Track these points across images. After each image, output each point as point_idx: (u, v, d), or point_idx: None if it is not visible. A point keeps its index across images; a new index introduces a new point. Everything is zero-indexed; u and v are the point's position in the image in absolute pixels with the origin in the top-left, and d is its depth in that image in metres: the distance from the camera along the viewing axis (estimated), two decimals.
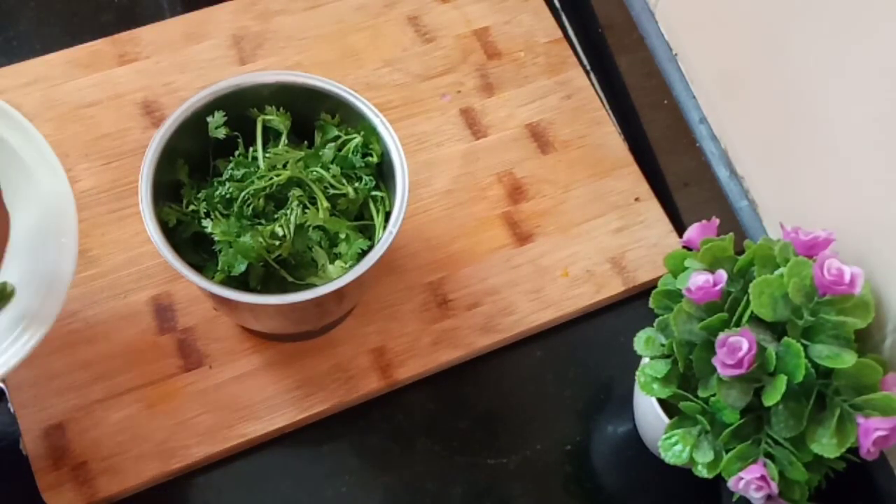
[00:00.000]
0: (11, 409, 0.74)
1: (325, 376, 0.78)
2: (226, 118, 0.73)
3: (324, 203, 0.71)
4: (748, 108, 0.78)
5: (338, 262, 0.71)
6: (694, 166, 0.84)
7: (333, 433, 0.77)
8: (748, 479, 0.60)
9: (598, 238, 0.85)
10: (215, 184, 0.73)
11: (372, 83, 0.91)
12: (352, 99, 0.74)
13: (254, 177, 0.72)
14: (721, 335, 0.60)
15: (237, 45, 0.91)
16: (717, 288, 0.62)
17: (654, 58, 0.87)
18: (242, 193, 0.71)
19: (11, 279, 0.65)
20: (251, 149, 0.74)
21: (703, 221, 0.67)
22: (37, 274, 0.65)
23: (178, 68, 0.90)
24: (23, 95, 0.87)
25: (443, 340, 0.80)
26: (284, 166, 0.72)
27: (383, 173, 0.75)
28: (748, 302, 0.61)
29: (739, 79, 0.78)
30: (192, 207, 0.73)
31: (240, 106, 0.74)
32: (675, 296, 0.65)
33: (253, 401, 0.76)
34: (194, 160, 0.74)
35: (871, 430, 0.58)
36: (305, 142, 0.76)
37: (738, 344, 0.59)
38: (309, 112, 0.76)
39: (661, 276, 0.68)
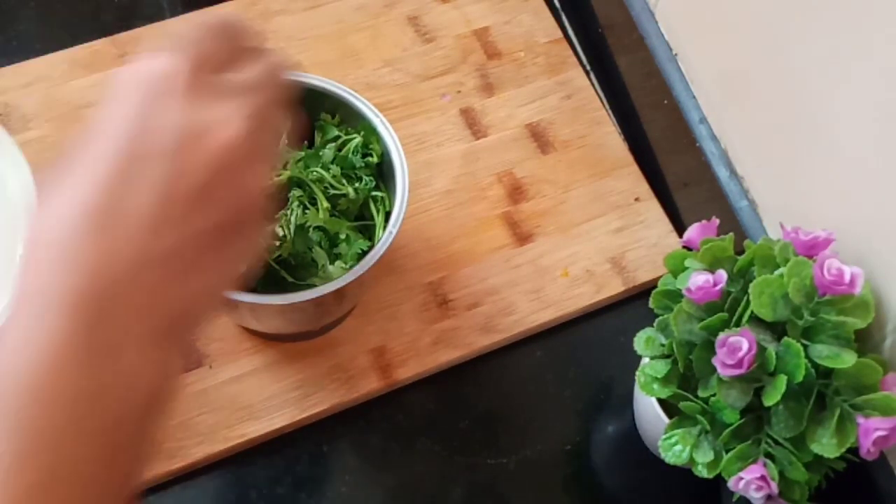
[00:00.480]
0: None
1: (325, 376, 0.78)
2: None
3: (324, 203, 0.71)
4: (748, 107, 0.78)
5: (338, 263, 0.71)
6: (694, 166, 0.84)
7: (333, 433, 0.77)
8: (748, 479, 0.60)
9: (598, 238, 0.85)
10: None
11: (372, 83, 0.91)
12: (352, 99, 0.74)
13: None
14: (721, 335, 0.60)
15: None
16: (717, 288, 0.62)
17: (654, 58, 0.87)
18: None
19: None
20: None
21: (703, 221, 0.67)
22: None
23: None
24: (23, 95, 0.87)
25: (443, 340, 0.80)
26: (284, 166, 0.72)
27: (383, 173, 0.75)
28: (748, 302, 0.61)
29: (739, 79, 0.78)
30: None
31: None
32: (675, 296, 0.65)
33: (253, 401, 0.76)
34: None
35: (871, 430, 0.58)
36: (305, 142, 0.76)
37: (738, 344, 0.59)
38: (309, 112, 0.76)
39: (661, 276, 0.68)
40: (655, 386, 0.65)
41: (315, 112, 0.76)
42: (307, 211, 0.71)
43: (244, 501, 0.74)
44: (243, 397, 0.76)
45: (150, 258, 0.43)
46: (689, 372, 0.64)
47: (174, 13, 0.94)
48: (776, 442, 0.61)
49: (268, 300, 0.67)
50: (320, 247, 0.71)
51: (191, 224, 0.44)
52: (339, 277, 0.68)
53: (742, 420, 0.61)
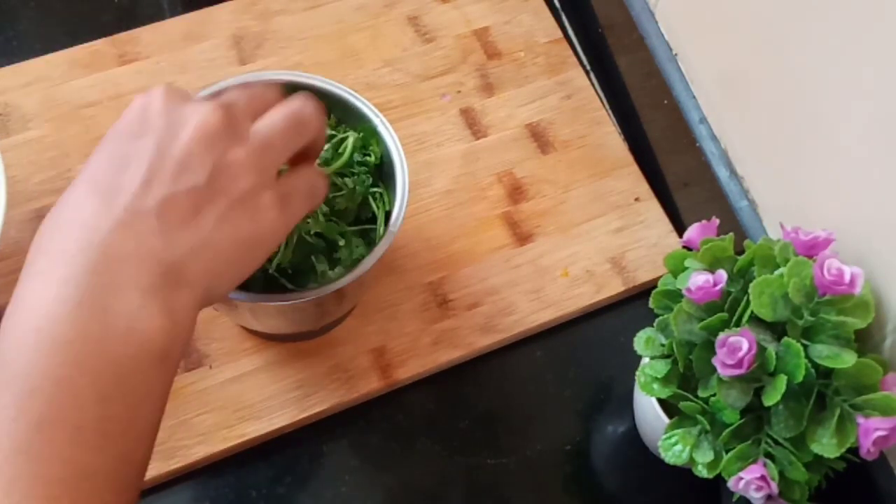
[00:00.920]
0: None
1: (325, 376, 0.78)
2: None
3: (322, 207, 0.71)
4: (748, 107, 0.78)
5: (338, 268, 0.71)
6: (694, 166, 0.84)
7: (333, 433, 0.77)
8: (748, 479, 0.60)
9: (598, 238, 0.85)
10: None
11: (372, 83, 0.91)
12: (352, 99, 0.74)
13: None
14: (721, 335, 0.60)
15: (237, 46, 0.92)
16: (717, 288, 0.62)
17: (654, 58, 0.87)
18: None
19: None
20: None
21: (703, 221, 0.67)
22: None
23: (178, 68, 0.90)
24: (23, 95, 0.87)
25: (443, 340, 0.80)
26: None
27: (383, 173, 0.75)
28: (748, 302, 0.61)
29: (739, 79, 0.78)
30: None
31: None
32: (675, 296, 0.65)
33: (253, 401, 0.76)
34: None
35: (871, 430, 0.58)
36: None
37: (738, 344, 0.59)
38: None
39: (661, 276, 0.68)
40: (655, 386, 0.65)
41: None
42: (309, 220, 0.71)
43: (244, 501, 0.74)
44: (243, 397, 0.76)
45: (143, 208, 0.48)
46: (689, 372, 0.64)
47: (174, 13, 0.94)
48: (776, 442, 0.61)
49: (268, 300, 0.67)
50: (320, 252, 0.71)
51: (181, 180, 0.49)
52: (340, 278, 0.68)
53: (742, 420, 0.61)
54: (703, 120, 0.83)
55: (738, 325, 0.61)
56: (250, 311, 0.71)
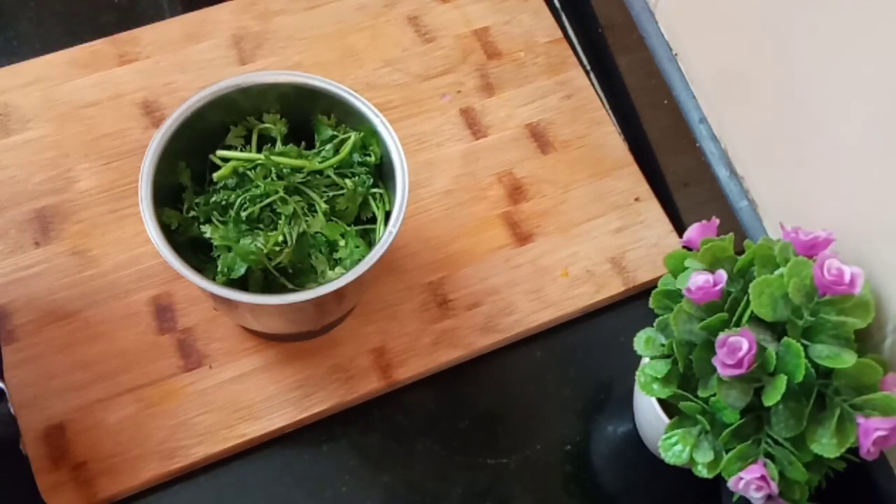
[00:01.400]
0: (11, 410, 0.74)
1: (325, 376, 0.78)
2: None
3: (322, 207, 0.71)
4: (748, 107, 0.78)
5: (338, 269, 0.71)
6: (694, 166, 0.84)
7: (333, 433, 0.77)
8: (748, 479, 0.60)
9: (598, 238, 0.85)
10: (210, 190, 0.73)
11: (372, 83, 0.91)
12: (352, 99, 0.74)
13: (249, 185, 0.72)
14: (721, 335, 0.60)
15: (237, 45, 0.92)
16: (717, 288, 0.62)
17: (654, 58, 0.87)
18: (238, 200, 0.71)
19: None
20: (247, 147, 0.75)
21: (703, 221, 0.67)
22: None
23: (178, 68, 0.90)
24: (23, 95, 0.88)
25: (443, 340, 0.80)
26: (279, 177, 0.72)
27: (383, 173, 0.75)
28: (748, 302, 0.61)
29: (739, 79, 0.78)
30: (192, 213, 0.73)
31: (239, 106, 0.74)
32: (675, 296, 0.65)
33: (253, 401, 0.76)
34: (196, 161, 0.74)
35: (871, 430, 0.57)
36: (303, 142, 0.76)
37: (738, 344, 0.59)
38: (308, 112, 0.76)
39: (661, 276, 0.68)
40: (655, 386, 0.65)
41: (314, 112, 0.76)
42: (308, 218, 0.71)
43: (244, 501, 0.74)
44: (243, 397, 0.76)
45: None
46: (689, 372, 0.64)
47: (174, 13, 0.94)
48: (776, 442, 0.61)
49: (268, 300, 0.67)
50: (320, 252, 0.71)
51: None
52: (339, 278, 0.68)
53: (742, 420, 0.61)
54: (703, 120, 0.83)
55: (738, 325, 0.61)
56: (250, 311, 0.71)
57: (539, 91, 0.92)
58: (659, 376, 0.65)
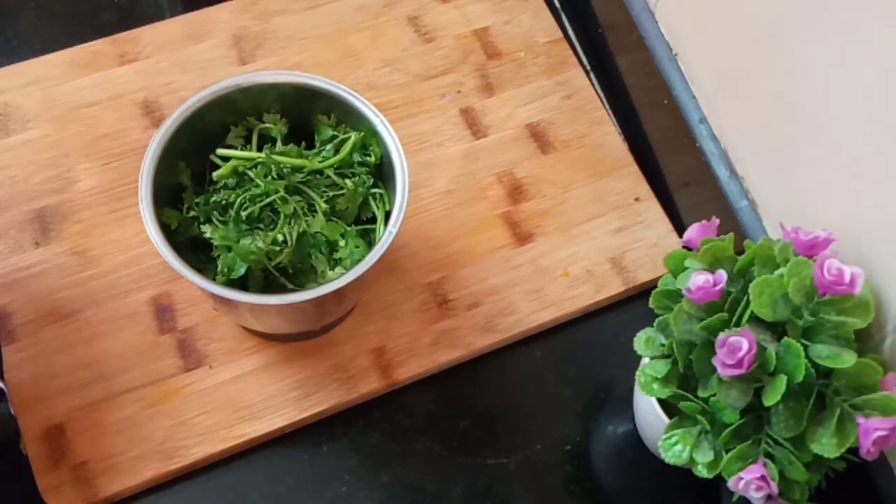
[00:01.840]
0: (11, 410, 0.74)
1: (325, 376, 0.78)
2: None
3: (322, 206, 0.71)
4: (748, 108, 0.78)
5: (338, 269, 0.71)
6: (694, 166, 0.84)
7: (333, 433, 0.77)
8: (748, 479, 0.60)
9: (598, 238, 0.85)
10: (210, 190, 0.73)
11: (372, 83, 0.91)
12: (352, 99, 0.74)
13: (249, 184, 0.72)
14: (721, 335, 0.60)
15: (237, 45, 0.92)
16: (717, 288, 0.62)
17: (654, 58, 0.87)
18: (238, 199, 0.71)
19: None
20: (247, 147, 0.75)
21: (703, 221, 0.67)
22: None
23: (178, 68, 0.90)
24: (23, 95, 0.88)
25: (443, 340, 0.80)
26: (279, 176, 0.72)
27: (383, 173, 0.75)
28: (748, 302, 0.61)
29: (739, 79, 0.78)
30: (191, 213, 0.73)
31: (239, 106, 0.74)
32: (675, 296, 0.65)
33: (253, 401, 0.76)
34: (196, 161, 0.74)
35: (871, 430, 0.57)
36: (303, 142, 0.76)
37: (738, 344, 0.59)
38: (308, 112, 0.76)
39: (661, 276, 0.68)
40: (655, 386, 0.65)
41: (315, 112, 0.76)
42: (308, 217, 0.71)
43: (244, 501, 0.74)
44: (243, 397, 0.76)
45: None
46: (689, 372, 0.64)
47: (174, 13, 0.94)
48: (776, 442, 0.61)
49: (268, 300, 0.67)
50: (320, 252, 0.71)
51: None
52: (339, 278, 0.68)
53: (742, 420, 0.61)
54: (703, 120, 0.83)
55: (738, 325, 0.61)
56: (250, 311, 0.71)
57: (539, 91, 0.92)
58: (659, 376, 0.65)
